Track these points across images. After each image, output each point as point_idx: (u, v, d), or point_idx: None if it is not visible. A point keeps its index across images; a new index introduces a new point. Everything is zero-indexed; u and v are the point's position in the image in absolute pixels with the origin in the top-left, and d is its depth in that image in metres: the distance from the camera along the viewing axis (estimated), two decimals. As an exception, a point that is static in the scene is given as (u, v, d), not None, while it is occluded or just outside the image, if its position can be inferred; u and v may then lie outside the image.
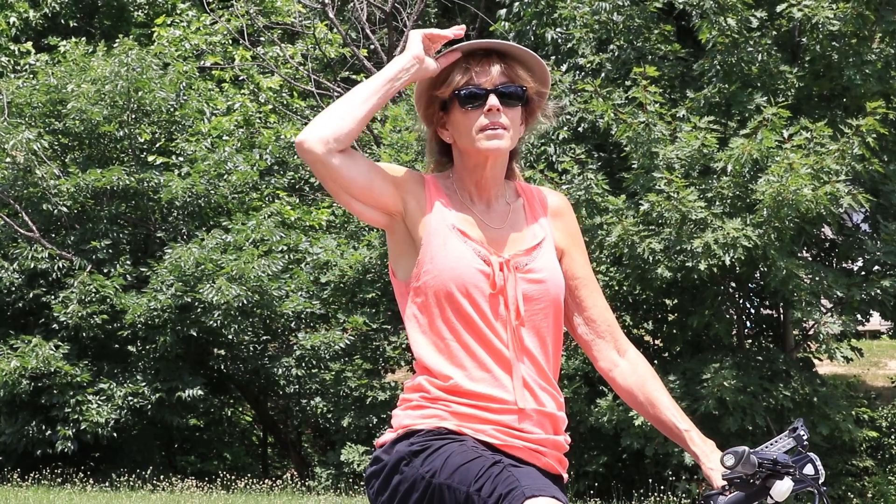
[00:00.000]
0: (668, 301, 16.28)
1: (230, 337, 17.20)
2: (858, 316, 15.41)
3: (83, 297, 17.07)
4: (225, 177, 18.18)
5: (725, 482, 2.99)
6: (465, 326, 3.02)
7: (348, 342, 17.63)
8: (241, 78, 21.35)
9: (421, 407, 3.04)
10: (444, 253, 3.03)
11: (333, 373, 17.88)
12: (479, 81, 3.08)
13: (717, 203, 14.34)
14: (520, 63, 3.14)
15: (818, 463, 3.00)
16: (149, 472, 17.13)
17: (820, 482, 2.99)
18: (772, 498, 2.93)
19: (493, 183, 3.15)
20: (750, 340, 16.58)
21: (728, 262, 13.91)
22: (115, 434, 17.07)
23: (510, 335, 3.03)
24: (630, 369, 3.18)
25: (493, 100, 3.06)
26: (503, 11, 18.03)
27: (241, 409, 20.82)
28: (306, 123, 20.94)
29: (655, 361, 16.08)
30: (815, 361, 16.46)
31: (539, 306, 3.07)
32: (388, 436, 3.08)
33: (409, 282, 3.08)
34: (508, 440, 2.99)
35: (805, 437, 3.02)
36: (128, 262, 17.89)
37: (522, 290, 3.05)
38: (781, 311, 16.19)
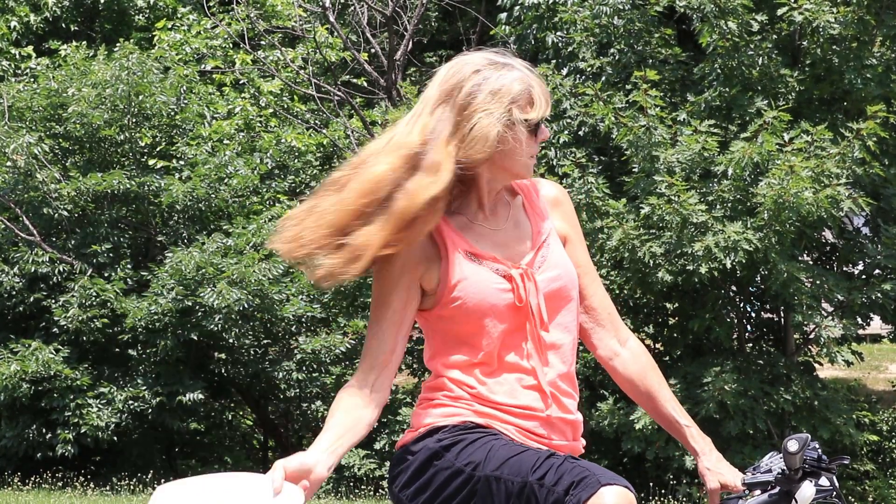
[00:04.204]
0: (668, 305, 16.28)
1: (231, 341, 17.20)
2: (859, 319, 15.41)
3: (84, 301, 17.06)
4: (226, 180, 18.18)
5: (745, 487, 2.99)
6: (489, 346, 3.00)
7: (349, 346, 17.62)
8: (241, 82, 21.35)
9: (443, 405, 3.01)
10: (464, 281, 2.99)
11: (334, 377, 17.87)
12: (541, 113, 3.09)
13: (718, 206, 14.35)
14: None
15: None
16: (150, 475, 17.11)
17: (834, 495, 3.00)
18: (796, 502, 2.93)
19: (499, 189, 3.15)
20: (750, 344, 16.57)
21: (729, 266, 13.92)
22: (115, 438, 17.07)
23: (534, 343, 3.01)
24: (631, 359, 3.17)
25: (546, 132, 3.08)
26: (504, 15, 18.03)
27: (241, 412, 20.81)
28: (308, 128, 21.02)
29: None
30: (816, 365, 16.46)
31: (562, 303, 3.06)
32: (408, 435, 3.03)
33: (432, 309, 3.04)
34: (529, 443, 2.97)
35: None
36: (128, 266, 17.89)
37: (544, 293, 3.03)
38: (782, 314, 16.18)
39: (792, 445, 2.90)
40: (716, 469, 3.07)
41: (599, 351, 3.19)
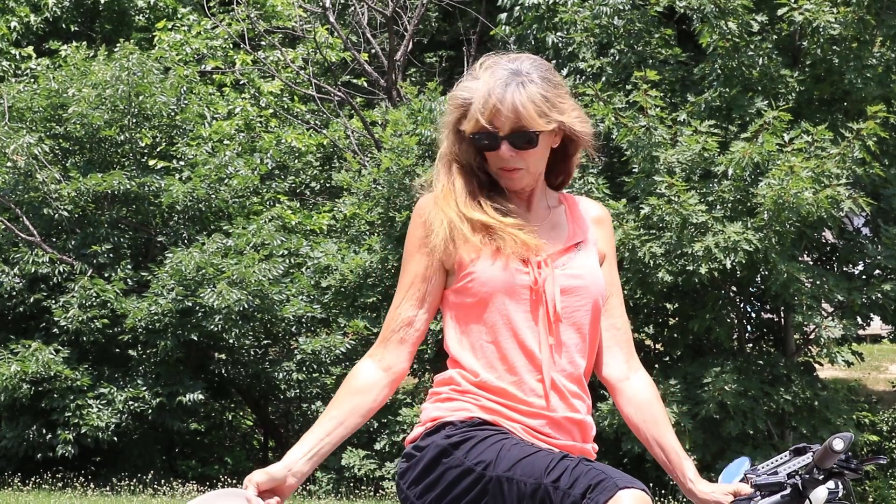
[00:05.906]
0: (668, 305, 16.28)
1: (231, 341, 17.19)
2: (859, 320, 15.41)
3: (84, 302, 17.06)
4: (226, 181, 18.18)
5: (755, 488, 2.98)
6: (501, 327, 3.02)
7: (349, 346, 17.62)
8: (241, 82, 21.36)
9: (451, 399, 3.02)
10: (485, 259, 3.03)
11: (334, 377, 17.87)
12: (493, 126, 3.01)
13: (718, 207, 14.35)
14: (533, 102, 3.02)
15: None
16: (150, 476, 17.12)
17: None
18: (810, 503, 2.92)
19: (528, 190, 3.15)
20: (751, 344, 16.57)
21: (729, 266, 13.91)
22: (115, 438, 17.06)
23: (545, 334, 3.01)
24: (641, 387, 3.17)
25: (504, 149, 3.02)
26: (504, 16, 18.04)
27: (241, 413, 20.81)
28: (308, 128, 21.03)
29: (656, 366, 16.08)
30: (816, 365, 16.46)
31: (579, 302, 3.06)
32: (417, 430, 3.04)
33: (451, 286, 3.09)
34: (535, 442, 2.96)
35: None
36: (129, 267, 17.89)
37: (560, 285, 3.04)
38: (782, 314, 16.18)
39: (837, 444, 2.88)
40: (720, 490, 3.06)
41: (608, 369, 3.18)
